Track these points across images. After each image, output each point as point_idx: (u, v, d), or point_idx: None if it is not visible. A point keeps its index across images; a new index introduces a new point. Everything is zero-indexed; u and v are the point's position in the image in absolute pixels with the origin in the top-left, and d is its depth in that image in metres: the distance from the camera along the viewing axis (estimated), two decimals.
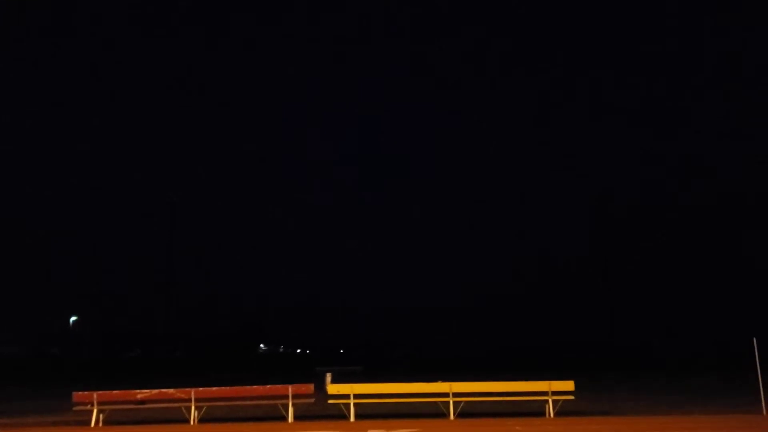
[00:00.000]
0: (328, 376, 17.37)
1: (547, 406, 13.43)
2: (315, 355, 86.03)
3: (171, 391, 13.45)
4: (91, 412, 13.21)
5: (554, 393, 13.44)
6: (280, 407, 13.55)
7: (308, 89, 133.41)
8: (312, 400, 13.64)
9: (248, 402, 13.78)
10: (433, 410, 13.96)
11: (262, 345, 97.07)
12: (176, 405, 13.50)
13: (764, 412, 13.16)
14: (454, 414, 13.25)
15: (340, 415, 13.60)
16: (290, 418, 13.28)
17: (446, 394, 13.46)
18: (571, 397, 13.53)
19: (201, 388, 13.48)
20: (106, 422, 13.42)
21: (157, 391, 13.47)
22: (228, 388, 13.65)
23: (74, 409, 13.27)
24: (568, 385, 13.52)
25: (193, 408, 13.32)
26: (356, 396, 13.53)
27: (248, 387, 13.69)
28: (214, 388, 13.60)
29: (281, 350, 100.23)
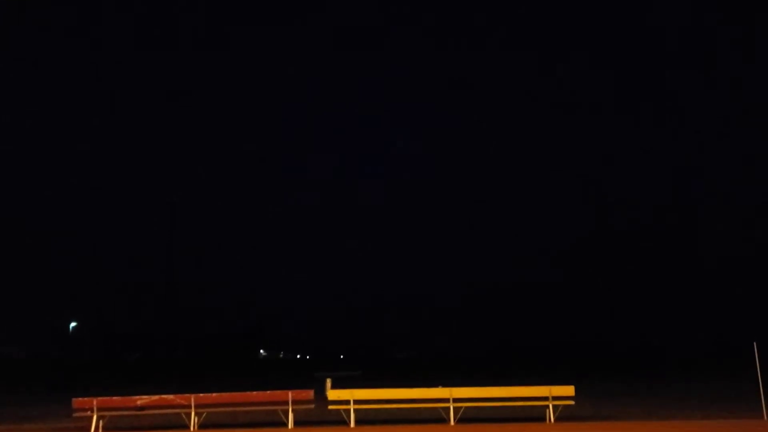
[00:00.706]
0: (328, 382, 17.37)
1: (547, 411, 13.42)
2: (314, 360, 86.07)
3: (171, 397, 13.42)
4: (91, 418, 13.18)
5: (554, 398, 13.43)
6: (280, 413, 13.53)
7: (308, 89, 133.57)
8: (312, 406, 13.61)
9: (248, 408, 13.74)
10: (434, 416, 13.94)
11: (262, 351, 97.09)
12: (176, 411, 13.48)
13: (765, 417, 13.14)
14: (454, 419, 13.23)
15: (340, 420, 13.59)
16: (290, 424, 13.26)
17: (446, 400, 13.43)
18: (571, 403, 13.52)
19: (201, 394, 13.44)
20: (105, 429, 13.38)
21: (157, 397, 13.43)
22: (228, 394, 13.63)
23: (74, 415, 13.23)
24: (569, 391, 13.53)
25: (193, 414, 13.29)
26: (356, 402, 13.50)
27: (248, 393, 13.65)
28: (214, 394, 13.57)
29: (281, 356, 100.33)
